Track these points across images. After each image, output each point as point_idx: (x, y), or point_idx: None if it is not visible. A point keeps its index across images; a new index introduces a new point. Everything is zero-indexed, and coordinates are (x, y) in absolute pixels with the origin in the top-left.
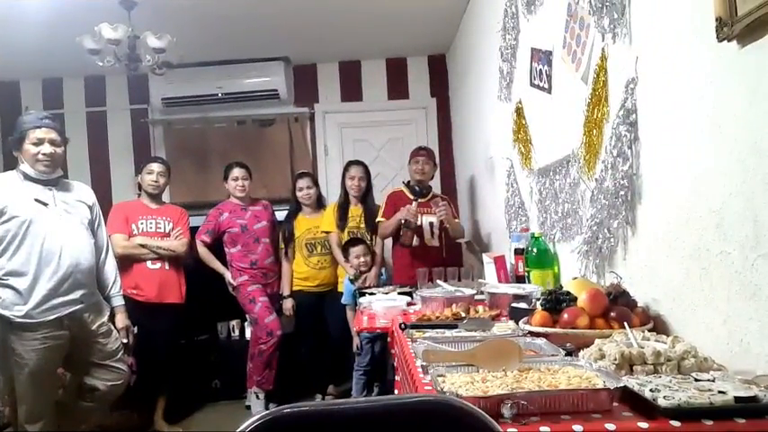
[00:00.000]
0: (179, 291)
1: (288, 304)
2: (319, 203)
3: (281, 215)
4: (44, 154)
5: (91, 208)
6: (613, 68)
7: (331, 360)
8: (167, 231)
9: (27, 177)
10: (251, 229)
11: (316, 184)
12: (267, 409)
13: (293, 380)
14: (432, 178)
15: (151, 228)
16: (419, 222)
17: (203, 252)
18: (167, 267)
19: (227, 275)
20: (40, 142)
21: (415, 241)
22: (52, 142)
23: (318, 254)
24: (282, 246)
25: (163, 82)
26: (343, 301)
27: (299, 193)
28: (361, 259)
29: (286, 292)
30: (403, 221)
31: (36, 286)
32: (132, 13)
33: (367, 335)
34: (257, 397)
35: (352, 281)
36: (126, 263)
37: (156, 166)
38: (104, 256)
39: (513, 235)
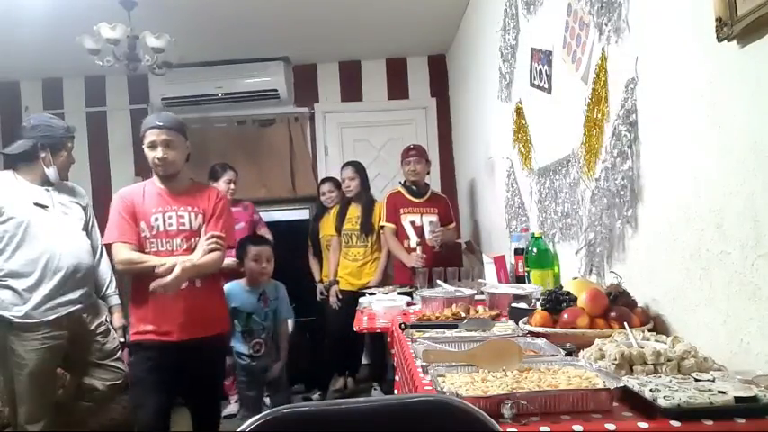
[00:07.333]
0: None
1: (334, 289)
2: None
3: (281, 215)
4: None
5: (85, 209)
6: (613, 68)
7: (331, 356)
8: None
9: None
10: None
11: (338, 187)
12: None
13: (293, 379)
14: (428, 173)
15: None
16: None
17: None
18: None
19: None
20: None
21: (416, 242)
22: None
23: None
24: (310, 244)
25: (163, 82)
26: None
27: (322, 197)
28: (263, 265)
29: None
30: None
31: (36, 287)
32: (132, 12)
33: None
34: None
35: None
36: None
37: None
38: (98, 256)
39: (513, 235)
